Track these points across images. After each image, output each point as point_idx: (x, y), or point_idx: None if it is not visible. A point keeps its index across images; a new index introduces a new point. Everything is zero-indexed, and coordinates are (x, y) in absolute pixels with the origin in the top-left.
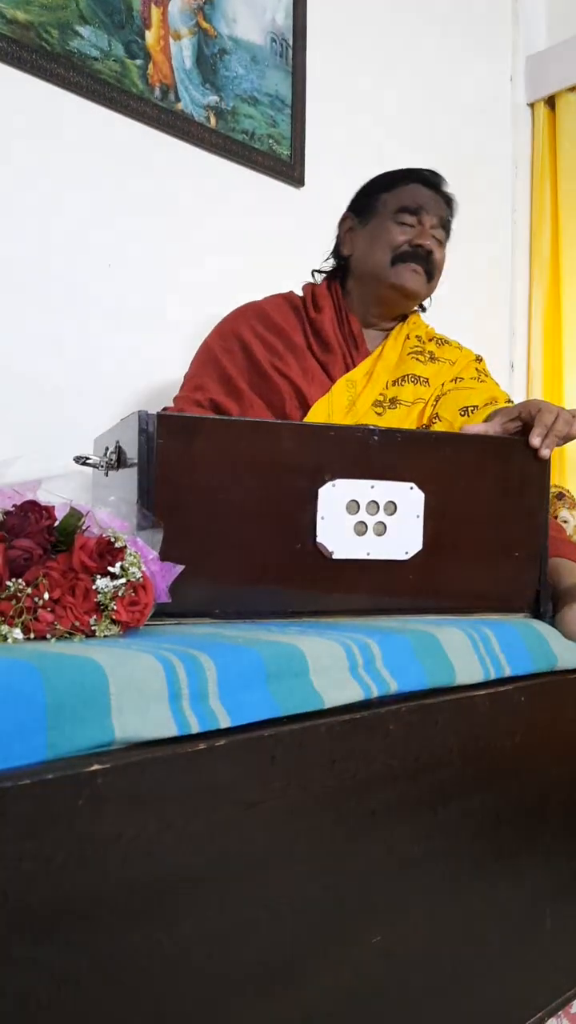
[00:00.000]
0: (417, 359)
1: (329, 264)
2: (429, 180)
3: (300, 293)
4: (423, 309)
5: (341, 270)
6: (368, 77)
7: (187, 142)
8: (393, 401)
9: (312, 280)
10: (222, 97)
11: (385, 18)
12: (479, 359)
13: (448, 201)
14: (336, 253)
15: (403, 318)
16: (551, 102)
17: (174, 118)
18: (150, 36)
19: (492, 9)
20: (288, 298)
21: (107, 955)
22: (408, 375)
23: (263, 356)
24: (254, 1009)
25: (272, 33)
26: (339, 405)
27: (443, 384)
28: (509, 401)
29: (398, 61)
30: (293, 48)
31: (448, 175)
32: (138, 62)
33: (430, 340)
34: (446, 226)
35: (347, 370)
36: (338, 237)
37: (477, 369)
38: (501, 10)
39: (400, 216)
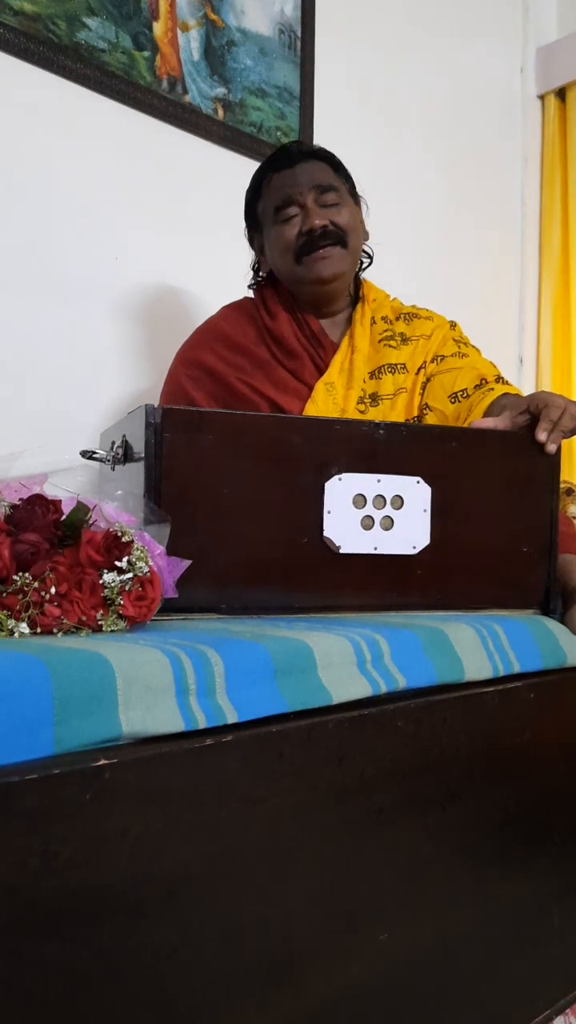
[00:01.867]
0: (389, 345)
1: (259, 279)
2: (282, 160)
3: (253, 296)
4: (370, 259)
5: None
6: (377, 69)
7: (195, 134)
8: (374, 397)
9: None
10: (230, 89)
11: (394, 9)
12: (454, 325)
13: (320, 157)
14: (257, 272)
15: (358, 295)
16: (561, 94)
17: (182, 110)
18: (158, 27)
19: (502, 0)
20: (242, 307)
21: (114, 950)
22: (384, 365)
23: (232, 376)
24: (261, 1005)
25: (280, 24)
26: (326, 411)
27: (424, 364)
28: (501, 378)
29: (407, 53)
30: (302, 40)
31: (457, 167)
32: (146, 54)
33: (398, 319)
34: (329, 186)
35: (319, 372)
36: (255, 258)
37: (455, 340)
38: (511, 1)
39: (280, 215)
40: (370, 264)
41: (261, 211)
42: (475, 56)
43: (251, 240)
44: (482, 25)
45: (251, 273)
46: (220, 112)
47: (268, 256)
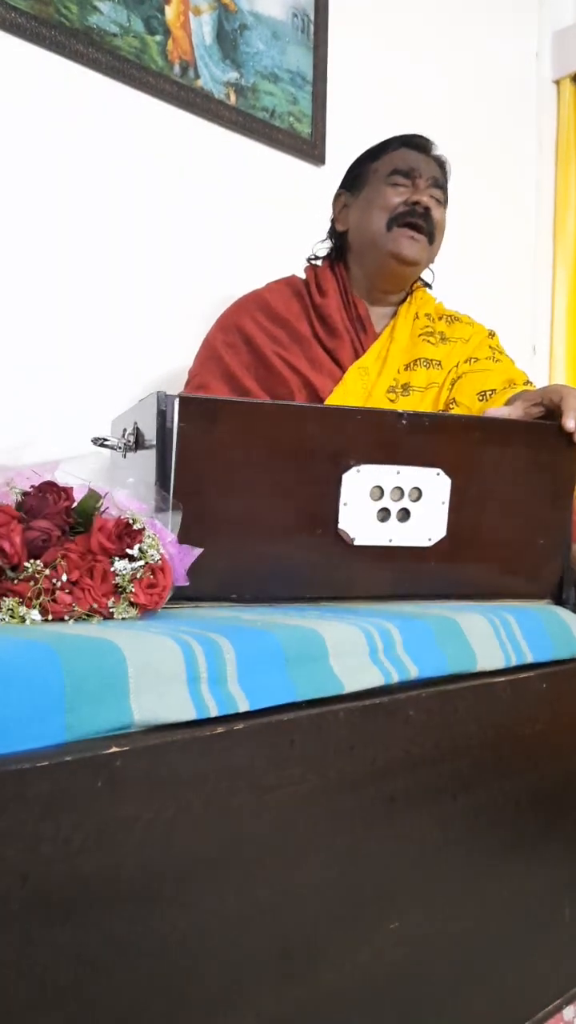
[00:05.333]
0: (428, 341)
1: (326, 247)
2: (418, 143)
3: (303, 276)
4: (428, 286)
5: (340, 250)
6: (391, 54)
7: (207, 119)
8: (406, 387)
9: (311, 264)
10: (242, 74)
11: None
12: (492, 334)
13: (440, 164)
14: (332, 232)
15: (409, 292)
16: None
17: (193, 95)
18: (170, 11)
19: None
20: (291, 283)
21: (125, 937)
22: (420, 359)
23: (269, 348)
24: (270, 992)
25: (294, 8)
26: (354, 395)
27: (457, 365)
28: (528, 383)
29: (421, 37)
30: (315, 24)
31: (472, 153)
32: (158, 38)
33: (440, 318)
34: (442, 187)
35: (356, 356)
36: (333, 216)
37: (491, 347)
38: None
39: (393, 179)
40: (424, 286)
41: (373, 169)
42: (490, 40)
43: (336, 198)
44: (497, 9)
45: (302, 244)
46: (232, 97)
47: (356, 213)
